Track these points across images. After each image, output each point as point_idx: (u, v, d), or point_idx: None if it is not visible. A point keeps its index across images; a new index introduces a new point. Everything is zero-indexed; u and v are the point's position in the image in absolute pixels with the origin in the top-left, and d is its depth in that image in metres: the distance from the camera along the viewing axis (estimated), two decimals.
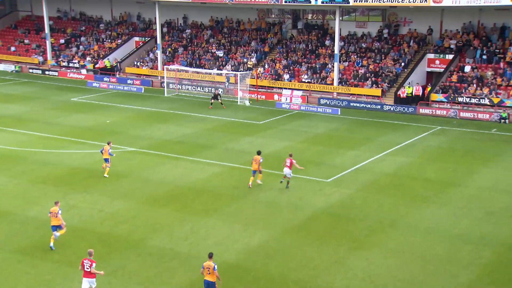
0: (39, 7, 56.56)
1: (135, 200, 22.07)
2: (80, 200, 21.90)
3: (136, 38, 54.68)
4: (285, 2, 41.47)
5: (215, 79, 46.08)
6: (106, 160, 24.68)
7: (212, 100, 39.60)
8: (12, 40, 58.76)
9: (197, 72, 46.72)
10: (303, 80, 44.13)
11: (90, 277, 14.86)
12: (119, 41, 54.54)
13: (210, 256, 15.11)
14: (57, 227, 18.04)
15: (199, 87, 45.86)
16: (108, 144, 24.98)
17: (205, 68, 47.23)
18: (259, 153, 24.00)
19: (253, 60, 47.51)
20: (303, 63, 45.91)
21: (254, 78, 44.31)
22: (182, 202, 22.04)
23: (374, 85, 41.95)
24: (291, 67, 45.76)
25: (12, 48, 56.78)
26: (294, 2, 41.32)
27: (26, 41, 57.97)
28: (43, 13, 53.59)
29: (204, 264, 14.97)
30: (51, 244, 17.94)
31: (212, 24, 53.41)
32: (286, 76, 44.87)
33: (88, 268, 14.85)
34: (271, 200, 22.43)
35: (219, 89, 42.61)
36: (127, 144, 29.85)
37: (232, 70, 46.20)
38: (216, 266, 14.80)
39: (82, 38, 56.49)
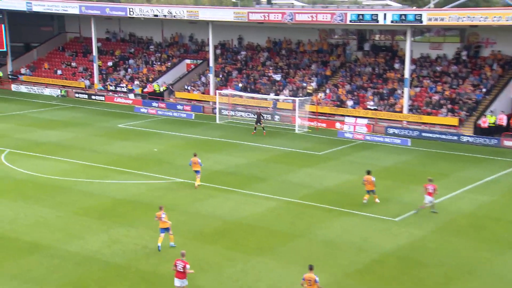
0: (87, 28, 59.46)
1: (182, 236, 22.39)
2: (124, 234, 22.46)
3: (188, 61, 56.28)
4: (350, 21, 41.69)
5: (260, 103, 46.67)
6: (197, 172, 28.20)
7: (257, 125, 40.32)
8: (59, 63, 61.92)
9: (252, 98, 47.37)
10: (369, 107, 43.81)
11: (182, 277, 17.32)
12: (169, 63, 56.33)
13: (311, 268, 16.72)
14: (165, 229, 21.09)
15: (253, 114, 46.41)
16: (195, 155, 28.48)
17: (260, 93, 47.84)
18: (369, 172, 26.20)
19: (313, 84, 47.72)
20: (368, 88, 45.66)
21: (314, 105, 44.43)
22: (233, 239, 22.16)
23: (450, 113, 41.06)
24: (355, 93, 45.61)
25: (59, 72, 59.78)
26: (360, 22, 41.45)
27: (73, 64, 60.93)
28: (91, 35, 56.30)
29: (305, 276, 16.58)
30: (159, 244, 20.99)
31: (269, 45, 54.27)
32: (350, 103, 44.71)
33: (181, 269, 17.30)
34: (331, 239, 22.19)
35: (264, 115, 42.94)
36: (175, 174, 30.48)
37: (290, 96, 46.56)
38: (318, 278, 16.47)
39: (131, 61, 58.76)
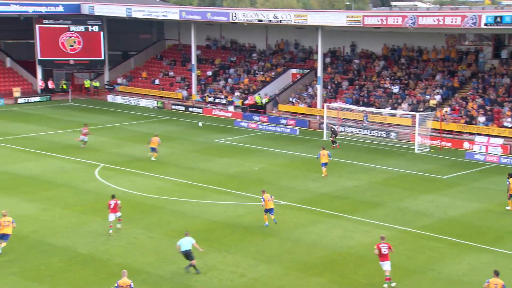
0: (187, 35, 61.85)
1: (283, 265, 22.47)
2: (219, 260, 22.92)
3: (293, 70, 56.79)
4: (485, 24, 40.10)
5: (344, 115, 46.65)
6: (324, 164, 33.84)
7: (333, 137, 42.00)
8: (157, 72, 64.87)
9: (365, 112, 46.83)
10: (505, 124, 41.95)
11: (387, 260, 20.80)
12: (273, 73, 57.15)
13: (497, 273, 18.58)
14: (270, 210, 26.08)
15: (366, 130, 45.85)
16: (323, 148, 34.47)
17: (375, 107, 47.22)
18: None
19: (438, 97, 46.40)
20: (505, 103, 43.70)
21: (437, 121, 43.18)
22: (341, 271, 21.91)
23: None
24: (488, 108, 43.80)
25: (156, 81, 62.60)
26: (497, 25, 39.74)
27: (171, 73, 63.56)
28: (191, 42, 58.47)
29: (490, 280, 18.15)
30: (266, 223, 26.21)
31: (386, 53, 53.55)
32: (482, 119, 43.00)
33: (385, 251, 20.84)
34: (457, 278, 21.32)
35: (335, 126, 43.98)
36: (277, 196, 30.67)
37: (409, 110, 45.57)
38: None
39: (231, 70, 60.30)
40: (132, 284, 18.80)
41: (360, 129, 46.07)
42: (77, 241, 24.52)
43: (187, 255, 21.60)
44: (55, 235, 25.18)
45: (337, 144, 41.93)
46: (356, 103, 48.88)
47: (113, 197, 25.99)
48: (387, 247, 20.87)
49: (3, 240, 23.06)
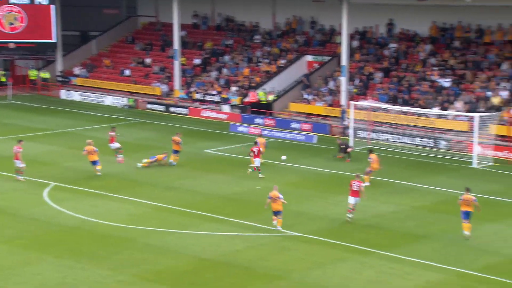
0: (167, 9, 61.86)
1: None
2: None
3: (309, 57, 56.82)
4: None
5: (377, 117, 46.08)
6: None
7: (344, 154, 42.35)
8: (126, 59, 64.93)
9: (405, 113, 46.71)
10: None
11: (357, 196, 29.74)
12: (283, 61, 57.13)
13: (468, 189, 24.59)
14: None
15: (406, 137, 45.77)
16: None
17: (418, 106, 47.15)
18: None
19: (504, 94, 46.40)
20: None
21: (504, 125, 43.13)
22: None
23: None
24: None
25: (126, 72, 62.64)
26: None
27: (147, 60, 63.61)
28: (172, 19, 58.49)
29: None
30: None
31: (435, 34, 53.60)
32: None
33: (356, 188, 29.27)
34: None
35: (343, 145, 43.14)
36: (287, 226, 30.60)
37: (465, 111, 45.53)
38: None
39: (227, 57, 60.35)
40: (281, 196, 28.54)
41: (398, 136, 45.91)
42: None
43: None
44: None
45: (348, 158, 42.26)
46: (394, 101, 48.83)
47: (256, 142, 39.27)
48: (358, 185, 29.12)
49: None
